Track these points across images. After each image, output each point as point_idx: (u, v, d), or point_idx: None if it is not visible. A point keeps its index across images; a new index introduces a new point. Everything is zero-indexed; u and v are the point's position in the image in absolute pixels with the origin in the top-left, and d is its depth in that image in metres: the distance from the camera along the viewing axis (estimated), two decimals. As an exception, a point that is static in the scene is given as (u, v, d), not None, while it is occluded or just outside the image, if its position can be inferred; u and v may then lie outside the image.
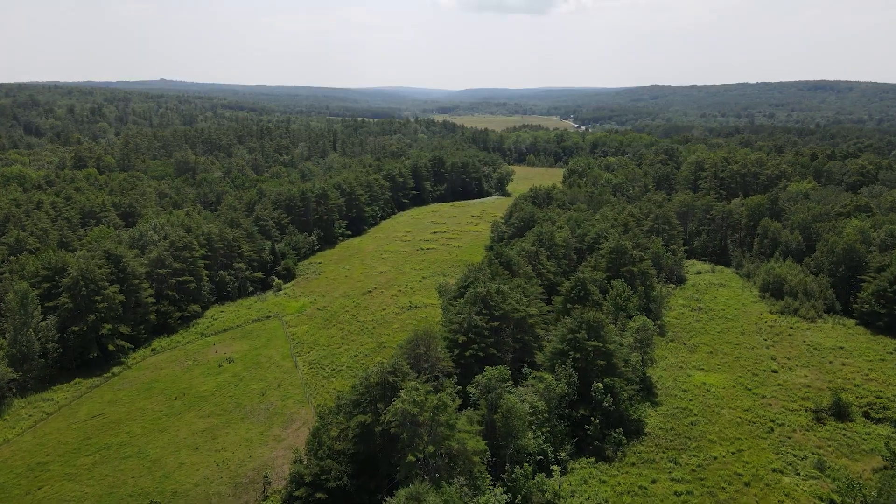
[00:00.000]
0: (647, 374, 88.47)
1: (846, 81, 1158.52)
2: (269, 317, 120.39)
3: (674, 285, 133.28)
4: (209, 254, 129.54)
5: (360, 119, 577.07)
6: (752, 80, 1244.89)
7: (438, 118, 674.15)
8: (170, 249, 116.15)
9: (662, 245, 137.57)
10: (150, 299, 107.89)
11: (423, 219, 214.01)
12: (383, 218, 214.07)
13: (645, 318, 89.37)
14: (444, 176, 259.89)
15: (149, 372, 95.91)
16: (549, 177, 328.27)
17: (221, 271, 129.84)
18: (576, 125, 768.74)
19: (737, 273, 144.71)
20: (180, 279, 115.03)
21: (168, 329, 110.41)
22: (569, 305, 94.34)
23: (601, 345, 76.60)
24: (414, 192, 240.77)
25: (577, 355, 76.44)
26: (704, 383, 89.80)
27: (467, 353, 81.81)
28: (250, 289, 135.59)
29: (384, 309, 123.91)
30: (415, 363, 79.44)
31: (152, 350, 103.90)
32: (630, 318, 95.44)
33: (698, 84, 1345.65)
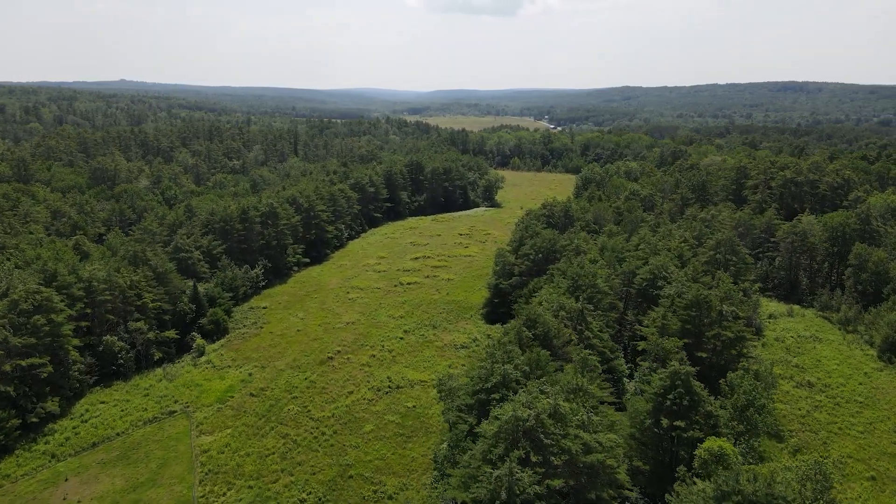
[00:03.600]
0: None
1: (815, 82, 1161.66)
2: (173, 412, 78.83)
3: (755, 341, 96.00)
4: (88, 311, 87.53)
5: (326, 119, 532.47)
6: (722, 82, 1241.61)
7: (410, 118, 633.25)
8: (8, 314, 73.81)
9: (732, 283, 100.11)
10: (-37, 404, 65.78)
11: (399, 238, 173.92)
12: (350, 238, 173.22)
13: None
14: (422, 184, 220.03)
15: (-75, 558, 54.08)
16: (538, 182, 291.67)
17: (108, 336, 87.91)
18: (551, 126, 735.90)
19: (824, 317, 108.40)
20: (25, 363, 72.79)
21: (-5, 450, 68.22)
22: (664, 420, 55.59)
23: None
24: (388, 205, 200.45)
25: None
26: (906, 560, 52.05)
27: (510, 554, 42.42)
28: (157, 356, 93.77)
29: (351, 391, 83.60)
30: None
31: (-49, 500, 61.87)
32: (750, 428, 57.49)
33: (669, 85, 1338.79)
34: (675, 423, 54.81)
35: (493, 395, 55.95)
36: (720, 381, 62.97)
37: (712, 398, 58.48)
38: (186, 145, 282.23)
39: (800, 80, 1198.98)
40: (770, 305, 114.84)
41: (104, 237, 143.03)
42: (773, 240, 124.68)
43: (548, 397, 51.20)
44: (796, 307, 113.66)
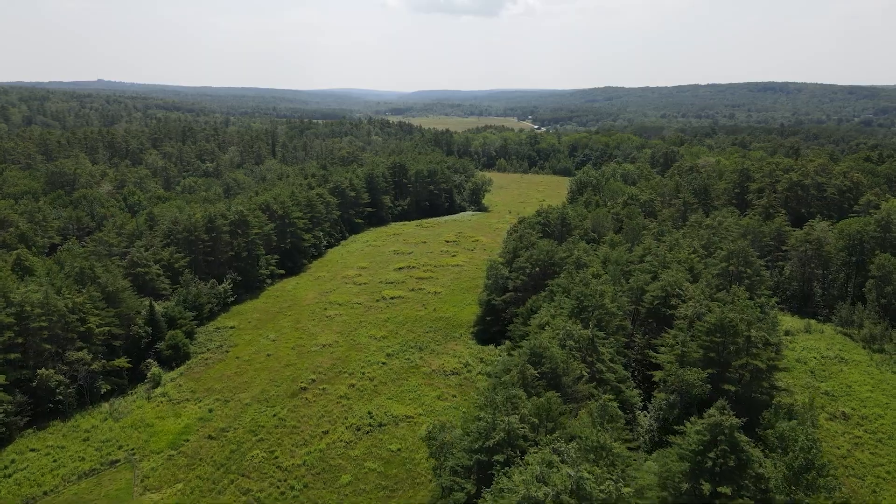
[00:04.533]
0: None
1: (794, 83, 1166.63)
2: (115, 462, 67.33)
3: (785, 367, 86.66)
4: (20, 340, 75.67)
5: (306, 120, 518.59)
6: (703, 82, 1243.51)
7: (393, 119, 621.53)
8: (-87, 352, 62.01)
9: (748, 298, 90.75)
10: None
11: (382, 246, 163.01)
12: (329, 246, 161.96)
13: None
14: (406, 187, 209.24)
15: None
16: (525, 184, 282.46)
17: (43, 369, 76.09)
18: (535, 126, 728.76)
19: (845, 334, 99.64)
20: (-67, 409, 61.05)
21: None
22: (705, 485, 45.55)
23: None
24: (369, 210, 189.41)
25: None
26: None
27: None
28: (104, 388, 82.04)
29: (327, 431, 72.73)
30: None
31: None
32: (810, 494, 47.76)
33: (651, 86, 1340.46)
34: (718, 489, 44.81)
35: (496, 457, 45.59)
36: (767, 432, 53.09)
37: (760, 452, 48.55)
38: (157, 147, 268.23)
39: (779, 80, 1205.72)
40: (785, 320, 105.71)
41: (59, 247, 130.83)
42: (783, 248, 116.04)
43: (564, 461, 41.03)
44: (813, 322, 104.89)
